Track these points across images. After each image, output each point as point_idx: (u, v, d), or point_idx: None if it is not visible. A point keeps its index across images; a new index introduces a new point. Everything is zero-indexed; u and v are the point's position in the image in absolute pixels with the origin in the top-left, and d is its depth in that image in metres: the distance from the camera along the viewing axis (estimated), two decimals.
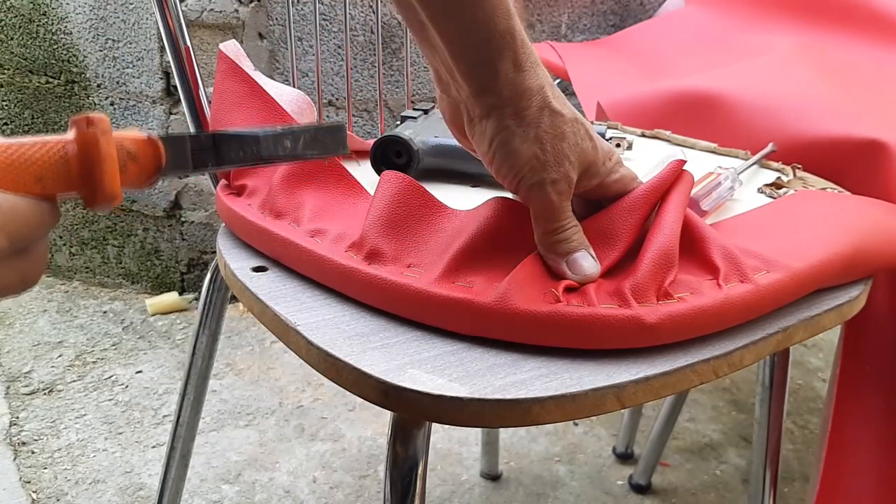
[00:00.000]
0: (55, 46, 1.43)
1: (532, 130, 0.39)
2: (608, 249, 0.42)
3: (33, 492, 0.97)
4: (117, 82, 1.42)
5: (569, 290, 0.39)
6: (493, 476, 1.04)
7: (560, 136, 0.39)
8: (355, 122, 1.49)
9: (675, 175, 0.44)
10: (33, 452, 1.05)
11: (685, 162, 0.45)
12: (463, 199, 0.56)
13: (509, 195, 0.43)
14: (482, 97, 0.39)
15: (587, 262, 0.40)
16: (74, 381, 1.22)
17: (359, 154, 0.67)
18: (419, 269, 0.41)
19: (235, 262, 0.48)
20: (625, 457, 1.09)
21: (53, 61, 1.44)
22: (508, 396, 0.34)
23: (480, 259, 0.40)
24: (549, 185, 0.39)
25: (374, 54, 0.96)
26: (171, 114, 1.42)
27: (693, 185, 0.46)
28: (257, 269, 0.47)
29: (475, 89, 0.39)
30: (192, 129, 0.67)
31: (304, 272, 0.45)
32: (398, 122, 0.65)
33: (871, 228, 0.50)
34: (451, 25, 0.38)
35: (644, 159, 0.68)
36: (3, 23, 1.44)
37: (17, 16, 1.43)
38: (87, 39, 1.40)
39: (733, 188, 0.57)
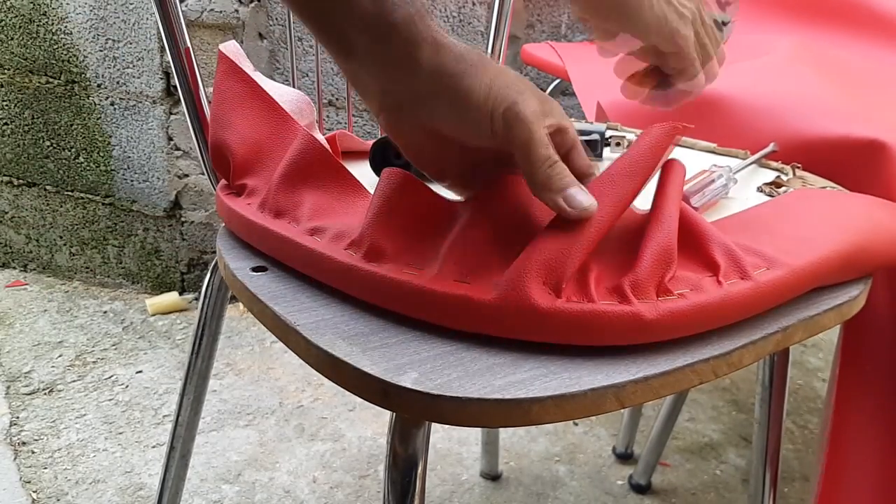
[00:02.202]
0: (55, 46, 1.43)
1: (474, 61, 0.38)
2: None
3: (33, 492, 0.97)
4: (117, 82, 1.42)
5: (568, 285, 0.38)
6: (492, 476, 1.04)
7: (500, 70, 0.38)
8: (355, 122, 1.49)
9: (656, 144, 0.43)
10: (33, 452, 1.05)
11: (674, 129, 0.44)
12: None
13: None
14: (410, 70, 0.38)
15: (583, 196, 0.38)
16: (75, 380, 1.22)
17: (358, 154, 0.67)
18: (419, 266, 0.41)
19: (235, 262, 0.48)
20: (625, 457, 1.09)
21: (53, 61, 1.44)
22: (508, 396, 0.34)
23: (478, 253, 0.40)
24: (521, 105, 0.37)
25: None
26: (171, 114, 1.42)
27: (684, 176, 0.46)
28: (257, 269, 0.47)
29: (399, 70, 0.38)
30: (191, 130, 0.68)
31: (304, 270, 0.45)
32: None
33: (870, 227, 0.50)
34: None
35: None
36: (3, 23, 1.44)
37: (17, 16, 1.43)
38: (87, 39, 1.40)
39: (728, 186, 0.57)
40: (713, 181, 0.56)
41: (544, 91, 0.42)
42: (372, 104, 0.41)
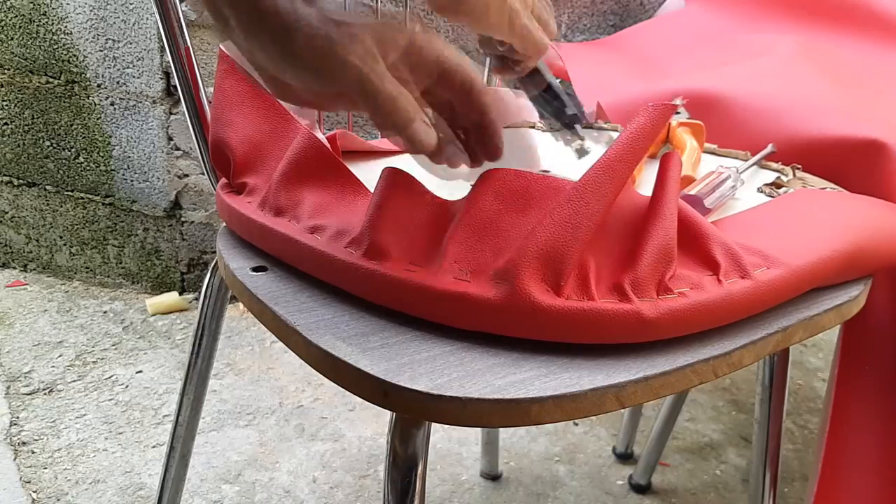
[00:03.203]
0: (55, 46, 1.43)
1: (314, 27, 0.36)
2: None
3: (33, 492, 0.97)
4: (117, 82, 1.42)
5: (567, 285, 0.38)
6: (493, 476, 1.04)
7: (341, 24, 0.37)
8: (355, 122, 1.49)
9: (649, 126, 0.42)
10: (33, 452, 1.05)
11: (667, 108, 0.44)
12: (460, 196, 0.56)
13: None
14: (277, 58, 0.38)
15: (421, 131, 0.37)
16: (75, 380, 1.22)
17: (358, 154, 0.67)
18: (419, 264, 0.41)
19: (235, 262, 0.48)
20: (625, 457, 1.09)
21: (53, 61, 1.44)
22: (508, 396, 0.34)
23: (478, 251, 0.40)
24: (341, 47, 0.36)
25: None
26: (171, 114, 1.42)
27: (681, 170, 0.45)
28: (257, 269, 0.47)
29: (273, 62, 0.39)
30: (192, 130, 0.68)
31: (304, 269, 0.45)
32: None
33: (870, 227, 0.50)
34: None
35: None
36: (3, 23, 1.44)
37: (17, 16, 1.43)
38: (87, 39, 1.40)
39: (735, 187, 0.57)
40: (723, 182, 0.56)
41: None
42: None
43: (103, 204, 1.52)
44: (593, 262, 0.39)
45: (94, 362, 1.28)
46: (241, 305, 1.48)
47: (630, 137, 0.41)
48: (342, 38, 0.37)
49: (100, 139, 1.47)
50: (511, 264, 0.38)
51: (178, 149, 1.44)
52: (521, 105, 0.62)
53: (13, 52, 1.46)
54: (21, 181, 1.56)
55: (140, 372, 1.26)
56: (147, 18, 1.36)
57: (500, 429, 1.06)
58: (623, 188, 0.41)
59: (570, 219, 0.39)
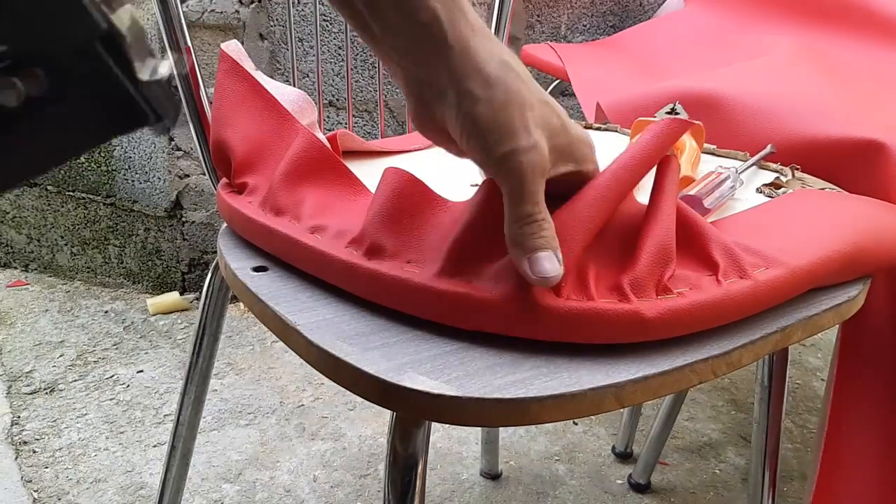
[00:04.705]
0: None
1: (499, 93, 0.36)
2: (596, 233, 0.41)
3: (35, 491, 0.98)
4: None
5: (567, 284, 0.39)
6: (492, 475, 1.04)
7: (527, 105, 0.36)
8: (355, 123, 1.49)
9: (662, 139, 0.43)
10: (35, 452, 1.05)
11: (682, 125, 0.44)
12: (462, 198, 0.56)
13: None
14: (436, 70, 0.37)
15: (550, 265, 0.36)
16: (76, 380, 1.23)
17: (359, 154, 0.67)
18: (420, 264, 0.41)
19: (236, 261, 0.49)
20: (624, 456, 1.09)
21: None
22: (508, 396, 0.34)
23: (478, 251, 0.40)
24: (522, 153, 0.36)
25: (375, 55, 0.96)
26: None
27: (679, 173, 0.46)
28: (258, 269, 0.47)
29: (426, 67, 0.37)
30: (192, 129, 0.68)
31: (305, 268, 0.46)
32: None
33: (869, 227, 0.51)
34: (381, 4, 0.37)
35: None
36: None
37: None
38: None
39: (734, 187, 0.57)
40: (722, 182, 0.56)
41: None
42: (399, 83, 0.40)
43: (104, 204, 1.52)
44: (593, 263, 0.39)
45: (95, 362, 1.28)
46: (241, 305, 1.48)
47: (642, 149, 0.42)
48: (528, 134, 0.36)
49: None
50: (511, 264, 0.38)
51: (178, 149, 1.44)
52: None
53: None
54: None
55: (141, 371, 1.26)
56: (147, 18, 1.36)
57: (500, 428, 1.06)
58: (626, 195, 0.42)
59: (571, 221, 0.39)
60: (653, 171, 0.44)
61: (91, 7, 0.23)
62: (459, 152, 0.41)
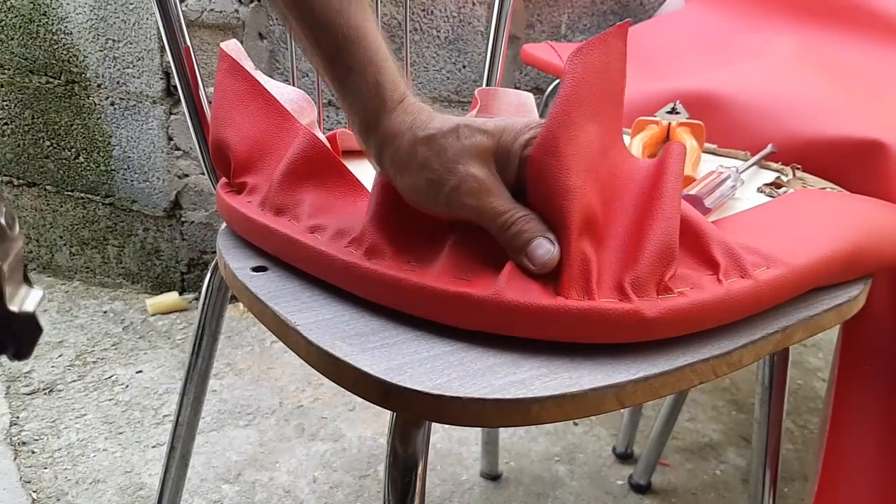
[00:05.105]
0: (55, 46, 1.43)
1: (413, 164, 0.40)
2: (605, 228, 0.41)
3: (34, 491, 0.97)
4: (117, 82, 1.42)
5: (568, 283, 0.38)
6: (492, 476, 1.04)
7: (441, 151, 0.40)
8: None
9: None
10: (34, 452, 1.05)
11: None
12: None
13: None
14: (368, 142, 0.43)
15: (543, 250, 0.38)
16: (75, 380, 1.22)
17: (359, 154, 0.67)
18: (420, 263, 0.41)
19: (235, 261, 0.48)
20: (625, 456, 1.09)
21: (53, 61, 1.44)
22: (508, 396, 0.34)
23: (479, 250, 0.40)
24: (456, 193, 0.39)
25: None
26: (171, 114, 1.42)
27: (684, 164, 0.45)
28: (257, 269, 0.47)
29: (364, 138, 0.43)
30: (192, 129, 0.68)
31: (304, 268, 0.45)
32: None
33: (870, 227, 0.50)
34: (327, 74, 0.44)
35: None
36: (3, 23, 1.44)
37: (17, 16, 1.43)
38: (87, 39, 1.40)
39: (735, 187, 0.57)
40: (723, 182, 0.56)
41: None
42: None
43: (103, 204, 1.52)
44: (594, 261, 0.39)
45: (94, 362, 1.28)
46: (241, 305, 1.48)
47: (569, 90, 0.39)
48: (454, 166, 0.40)
49: (100, 139, 1.47)
50: (510, 264, 0.38)
51: (178, 149, 1.44)
52: (523, 101, 0.63)
53: (13, 52, 1.46)
54: (21, 181, 1.56)
55: (140, 372, 1.26)
56: (147, 18, 1.36)
57: (500, 429, 1.06)
58: (600, 159, 0.41)
59: (565, 216, 0.38)
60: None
61: None
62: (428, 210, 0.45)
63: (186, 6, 1.32)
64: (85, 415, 1.14)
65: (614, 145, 0.43)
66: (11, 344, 0.27)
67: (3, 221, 0.27)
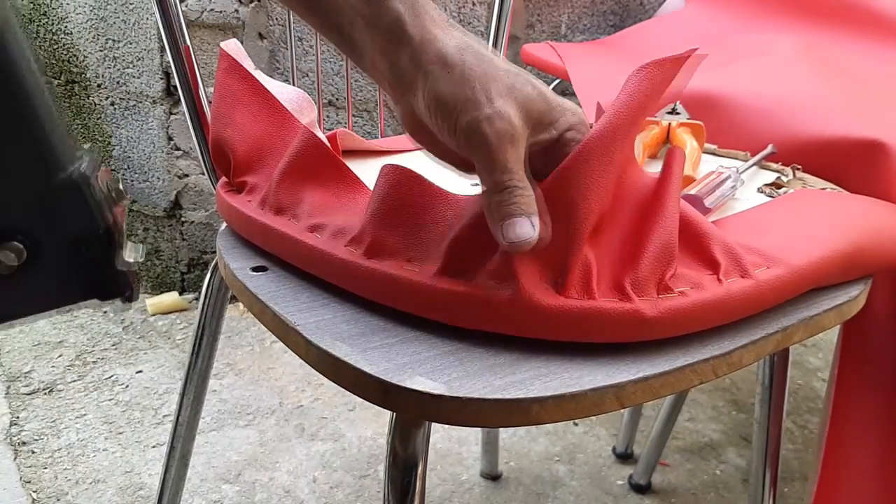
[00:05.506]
0: (55, 46, 1.43)
1: (458, 69, 0.36)
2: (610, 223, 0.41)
3: (33, 491, 0.97)
4: (117, 82, 1.42)
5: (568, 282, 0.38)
6: (492, 476, 1.04)
7: (490, 77, 0.37)
8: (355, 123, 1.49)
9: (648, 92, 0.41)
10: (33, 452, 1.05)
11: (675, 61, 0.43)
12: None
13: None
14: (404, 62, 0.38)
15: (521, 229, 0.35)
16: (75, 380, 1.22)
17: (359, 153, 0.67)
18: (419, 262, 0.40)
19: (235, 261, 0.48)
20: (625, 456, 1.09)
21: (53, 61, 1.44)
22: (508, 396, 0.34)
23: (478, 249, 0.40)
24: (484, 122, 0.35)
25: None
26: (171, 114, 1.42)
27: (684, 167, 0.45)
28: (257, 269, 0.47)
29: (396, 63, 0.38)
30: (192, 129, 0.68)
31: (304, 267, 0.45)
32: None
33: (870, 227, 0.50)
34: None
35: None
36: None
37: (16, 16, 1.43)
38: (87, 39, 1.40)
39: (735, 187, 0.57)
40: (723, 182, 0.56)
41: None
42: (387, 92, 0.41)
43: None
44: (594, 261, 0.39)
45: (94, 362, 1.28)
46: (241, 305, 1.48)
47: (630, 98, 0.40)
48: (491, 103, 0.36)
49: (100, 139, 1.47)
50: (511, 263, 0.38)
51: (178, 149, 1.44)
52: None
53: None
54: None
55: (140, 372, 1.26)
56: (147, 18, 1.36)
57: (500, 429, 1.06)
58: (619, 173, 0.41)
59: (569, 217, 0.38)
60: (656, 170, 0.44)
61: (95, 211, 0.30)
62: (453, 157, 0.41)
63: (186, 6, 1.32)
64: (85, 415, 1.14)
65: (629, 155, 0.43)
66: (126, 288, 0.32)
67: (120, 186, 0.32)
